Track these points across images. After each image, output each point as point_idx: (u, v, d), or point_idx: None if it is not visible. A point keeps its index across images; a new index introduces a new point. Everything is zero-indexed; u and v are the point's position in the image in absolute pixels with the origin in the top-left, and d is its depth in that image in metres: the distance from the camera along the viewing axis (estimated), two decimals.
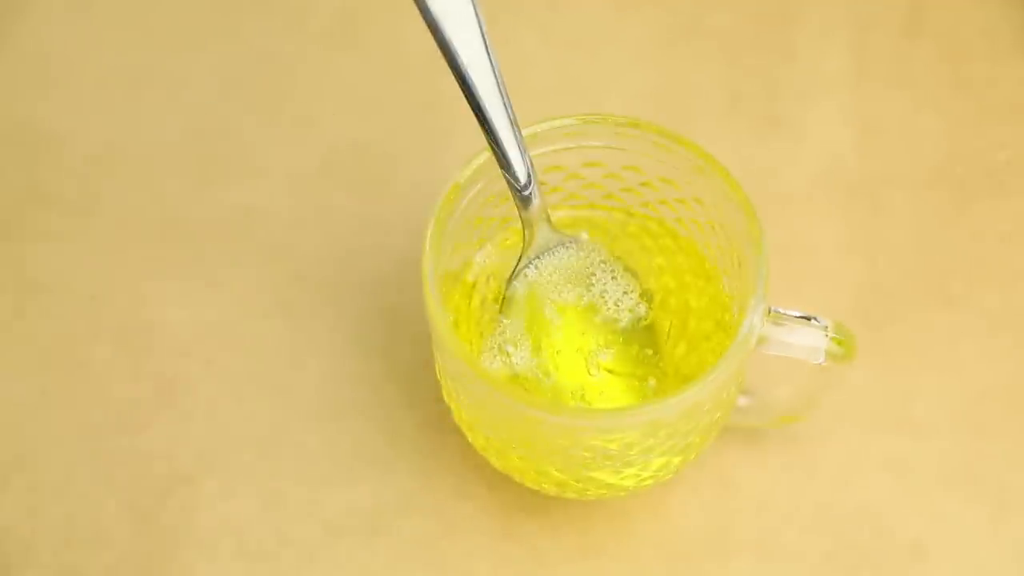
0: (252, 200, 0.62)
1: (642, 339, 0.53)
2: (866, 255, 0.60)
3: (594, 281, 0.53)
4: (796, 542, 0.56)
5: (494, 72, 0.48)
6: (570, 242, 0.53)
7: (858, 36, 0.65)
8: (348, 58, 0.65)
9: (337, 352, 0.59)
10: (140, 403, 0.58)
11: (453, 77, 0.47)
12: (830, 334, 0.50)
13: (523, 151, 0.49)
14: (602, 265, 0.54)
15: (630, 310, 0.53)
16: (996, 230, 0.61)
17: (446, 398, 0.53)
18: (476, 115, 0.48)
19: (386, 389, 0.58)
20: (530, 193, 0.50)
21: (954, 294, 0.60)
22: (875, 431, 0.57)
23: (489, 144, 0.49)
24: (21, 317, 0.59)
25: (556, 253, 0.53)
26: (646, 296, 0.53)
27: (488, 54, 0.47)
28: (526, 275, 0.53)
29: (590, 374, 0.52)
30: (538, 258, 0.53)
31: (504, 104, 0.48)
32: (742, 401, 0.55)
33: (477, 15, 0.47)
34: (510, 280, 0.53)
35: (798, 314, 0.50)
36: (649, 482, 0.52)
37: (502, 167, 0.50)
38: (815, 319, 0.50)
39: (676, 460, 0.52)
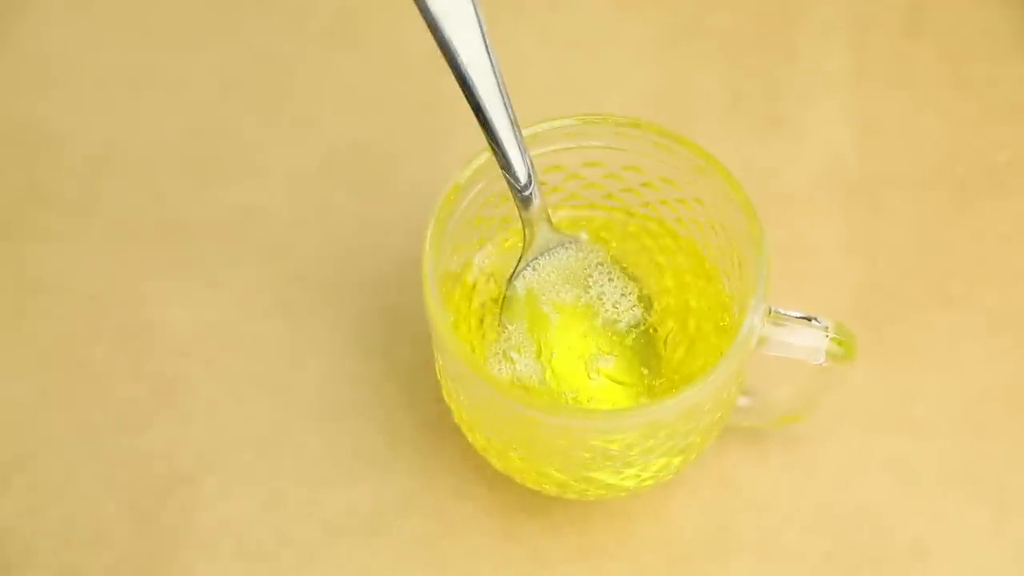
0: (252, 200, 0.62)
1: (642, 346, 0.53)
2: (866, 255, 0.60)
3: (591, 283, 0.53)
4: (796, 542, 0.56)
5: (494, 72, 0.48)
6: (570, 242, 0.53)
7: (858, 36, 0.65)
8: (348, 58, 0.65)
9: (337, 352, 0.59)
10: (140, 403, 0.58)
11: (453, 77, 0.47)
12: (830, 334, 0.50)
13: (523, 151, 0.49)
14: (600, 267, 0.54)
15: (628, 312, 0.53)
16: (996, 230, 0.61)
17: (446, 398, 0.53)
18: (476, 115, 0.48)
19: (386, 389, 0.58)
20: (530, 193, 0.50)
21: (954, 294, 0.60)
22: (875, 431, 0.57)
23: (489, 144, 0.49)
24: (21, 317, 0.59)
25: (556, 254, 0.53)
26: (644, 299, 0.53)
27: (488, 54, 0.47)
28: (526, 276, 0.53)
29: (590, 378, 0.52)
30: (537, 259, 0.53)
31: (504, 104, 0.48)
32: (742, 401, 0.55)
33: (477, 15, 0.47)
34: (510, 280, 0.53)
35: (798, 314, 0.50)
36: (649, 482, 0.52)
37: (502, 167, 0.50)
38: (815, 319, 0.50)
39: (676, 460, 0.51)
